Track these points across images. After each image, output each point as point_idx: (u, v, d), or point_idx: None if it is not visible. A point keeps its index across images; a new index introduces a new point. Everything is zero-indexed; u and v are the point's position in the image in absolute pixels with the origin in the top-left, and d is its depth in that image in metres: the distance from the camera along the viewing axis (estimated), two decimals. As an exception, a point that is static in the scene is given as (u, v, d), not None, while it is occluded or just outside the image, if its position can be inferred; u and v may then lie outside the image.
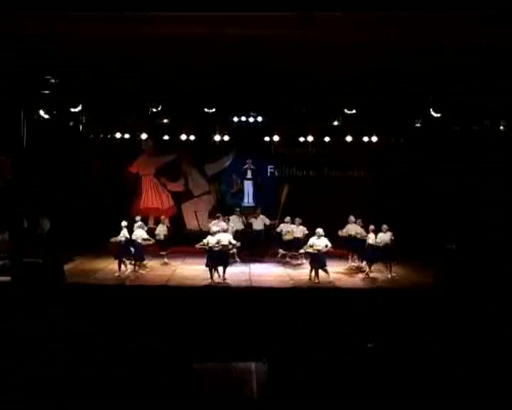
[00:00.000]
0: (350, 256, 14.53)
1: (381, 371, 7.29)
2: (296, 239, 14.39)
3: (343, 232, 13.99)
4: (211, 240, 12.50)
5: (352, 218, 14.19)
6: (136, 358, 7.57)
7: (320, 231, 12.77)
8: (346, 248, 14.51)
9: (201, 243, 12.61)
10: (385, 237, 13.02)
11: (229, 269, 12.88)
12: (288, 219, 14.77)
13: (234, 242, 13.01)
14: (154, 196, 17.75)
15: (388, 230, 13.09)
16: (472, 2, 8.31)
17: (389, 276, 13.15)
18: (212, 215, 15.72)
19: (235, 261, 14.36)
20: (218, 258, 12.51)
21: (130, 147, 16.54)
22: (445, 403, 6.59)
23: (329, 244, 12.71)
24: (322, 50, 10.11)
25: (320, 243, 12.65)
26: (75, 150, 15.61)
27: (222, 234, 12.73)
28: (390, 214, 15.30)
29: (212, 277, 12.48)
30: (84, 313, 9.44)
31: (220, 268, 12.67)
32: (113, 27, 9.12)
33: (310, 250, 12.79)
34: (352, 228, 14.02)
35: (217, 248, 12.42)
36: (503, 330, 8.88)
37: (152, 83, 12.17)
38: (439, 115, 12.84)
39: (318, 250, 12.58)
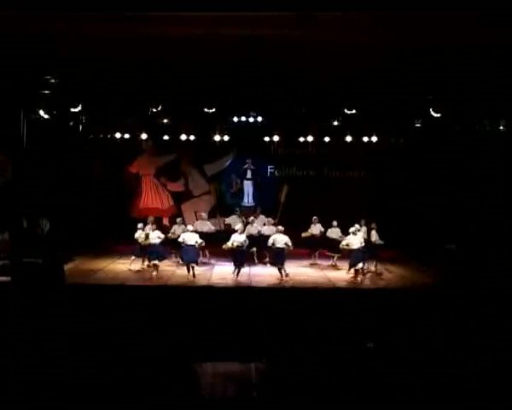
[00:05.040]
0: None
1: (381, 371, 7.29)
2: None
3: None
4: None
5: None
6: (136, 358, 7.56)
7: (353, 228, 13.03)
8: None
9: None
10: (355, 239, 12.89)
11: (228, 269, 12.86)
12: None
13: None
14: (154, 196, 17.75)
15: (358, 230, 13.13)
16: (472, 2, 8.30)
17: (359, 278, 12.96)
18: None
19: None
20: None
21: (130, 147, 16.53)
22: (444, 403, 6.59)
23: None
24: (322, 50, 10.11)
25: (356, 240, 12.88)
26: (75, 150, 15.59)
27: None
28: (390, 214, 15.35)
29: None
30: (84, 313, 9.43)
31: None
32: (112, 27, 9.11)
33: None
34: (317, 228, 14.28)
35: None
36: (503, 330, 8.88)
37: (152, 83, 12.17)
38: (439, 115, 12.85)
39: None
